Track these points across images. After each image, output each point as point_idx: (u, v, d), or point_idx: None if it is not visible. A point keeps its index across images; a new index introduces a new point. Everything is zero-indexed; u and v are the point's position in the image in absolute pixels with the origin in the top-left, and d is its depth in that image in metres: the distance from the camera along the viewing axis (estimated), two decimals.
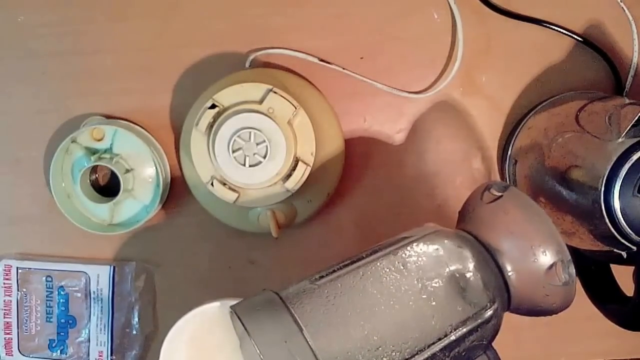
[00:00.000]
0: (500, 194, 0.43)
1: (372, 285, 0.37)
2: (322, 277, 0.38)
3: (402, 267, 0.38)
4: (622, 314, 0.50)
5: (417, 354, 0.34)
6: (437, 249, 0.40)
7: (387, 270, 0.38)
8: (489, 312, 0.38)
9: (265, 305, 0.35)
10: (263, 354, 0.31)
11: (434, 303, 0.36)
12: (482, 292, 0.38)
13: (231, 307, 0.36)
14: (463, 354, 0.37)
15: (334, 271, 0.39)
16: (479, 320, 0.37)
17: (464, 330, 0.36)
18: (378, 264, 0.38)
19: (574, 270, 0.40)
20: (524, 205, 0.42)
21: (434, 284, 0.37)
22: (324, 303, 0.35)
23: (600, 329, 0.54)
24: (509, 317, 0.47)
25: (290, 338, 0.33)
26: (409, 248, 0.40)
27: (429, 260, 0.39)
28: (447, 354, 0.36)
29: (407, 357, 0.34)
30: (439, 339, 0.35)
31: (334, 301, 0.36)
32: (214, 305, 0.44)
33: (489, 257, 0.41)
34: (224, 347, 0.45)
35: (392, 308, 0.36)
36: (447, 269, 0.38)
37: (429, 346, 0.35)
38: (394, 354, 0.34)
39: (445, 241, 0.41)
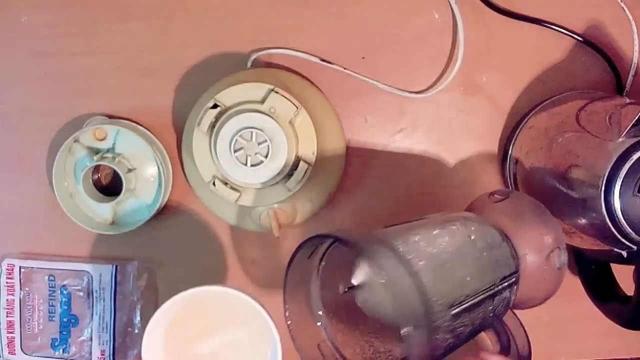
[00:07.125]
0: (504, 197, 0.48)
1: (444, 234, 0.43)
2: (390, 226, 0.43)
3: (462, 227, 0.44)
4: (622, 313, 0.50)
5: (474, 296, 0.40)
6: (480, 222, 0.46)
7: (452, 227, 0.44)
8: (515, 277, 0.44)
9: (361, 236, 0.40)
10: (385, 270, 0.37)
11: (487, 258, 0.43)
12: (512, 260, 0.45)
13: (332, 234, 0.39)
14: (498, 307, 0.43)
15: (400, 224, 0.44)
16: (511, 280, 0.44)
17: (504, 284, 0.43)
18: (444, 223, 0.45)
19: (567, 257, 0.46)
20: (530, 202, 0.48)
21: (486, 244, 0.44)
22: (405, 241, 0.40)
23: (601, 328, 0.54)
24: None
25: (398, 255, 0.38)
26: (461, 216, 0.46)
27: (479, 227, 0.46)
28: (491, 301, 0.42)
29: (468, 293, 0.40)
30: (490, 287, 0.42)
31: (415, 238, 0.41)
32: (190, 293, 0.44)
33: (505, 238, 0.46)
34: (200, 334, 0.47)
35: (459, 254, 0.42)
36: (489, 237, 0.45)
37: (482, 291, 0.41)
38: (460, 289, 0.40)
39: (482, 218, 0.48)
